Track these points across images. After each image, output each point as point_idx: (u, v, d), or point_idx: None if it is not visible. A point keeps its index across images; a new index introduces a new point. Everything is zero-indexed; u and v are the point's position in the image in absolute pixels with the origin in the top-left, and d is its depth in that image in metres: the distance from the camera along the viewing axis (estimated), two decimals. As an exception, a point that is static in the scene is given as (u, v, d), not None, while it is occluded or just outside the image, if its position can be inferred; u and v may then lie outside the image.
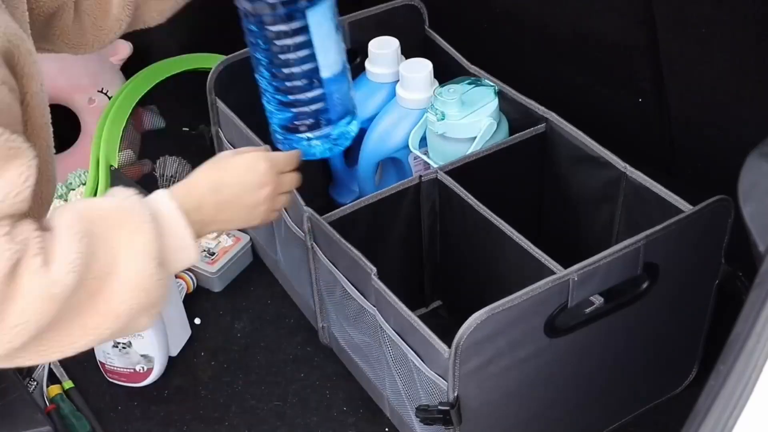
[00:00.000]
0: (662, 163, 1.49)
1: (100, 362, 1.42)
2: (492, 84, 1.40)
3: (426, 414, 1.13)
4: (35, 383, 1.42)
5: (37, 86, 0.96)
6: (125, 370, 1.42)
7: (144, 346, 1.39)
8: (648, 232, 1.14)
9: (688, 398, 1.34)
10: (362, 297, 1.24)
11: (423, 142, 1.45)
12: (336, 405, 1.41)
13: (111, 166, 1.60)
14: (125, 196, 0.91)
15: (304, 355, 1.48)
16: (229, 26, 1.76)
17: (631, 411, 1.35)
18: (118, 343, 1.38)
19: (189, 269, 1.58)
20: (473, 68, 1.48)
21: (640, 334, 1.24)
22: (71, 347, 0.86)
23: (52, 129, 1.02)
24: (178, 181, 1.71)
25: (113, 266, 0.86)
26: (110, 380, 1.43)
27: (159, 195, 0.94)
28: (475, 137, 1.38)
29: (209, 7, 1.71)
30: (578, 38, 1.50)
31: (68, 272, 0.82)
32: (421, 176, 1.33)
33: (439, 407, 1.11)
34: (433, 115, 1.38)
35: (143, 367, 1.41)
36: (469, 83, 1.40)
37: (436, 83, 1.49)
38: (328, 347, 1.46)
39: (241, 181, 1.00)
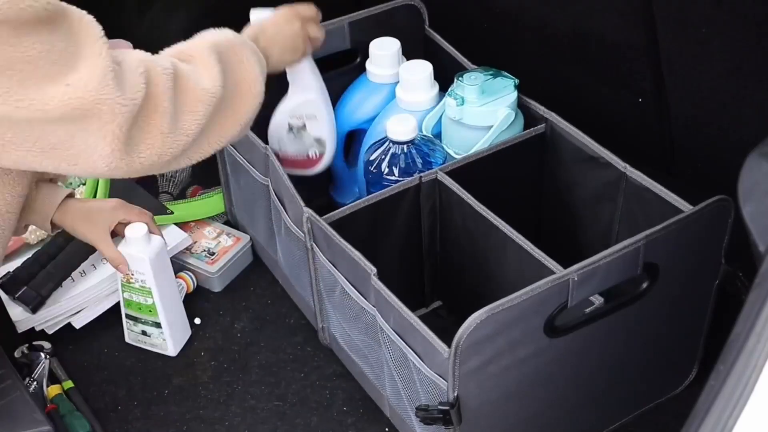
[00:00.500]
0: (662, 163, 1.49)
1: (274, 152, 1.42)
2: (512, 77, 1.40)
3: (426, 414, 1.13)
4: (35, 383, 1.42)
5: None
6: (299, 156, 1.46)
7: (318, 127, 1.44)
8: (648, 232, 1.14)
9: (688, 398, 1.34)
10: (362, 297, 1.24)
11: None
12: (336, 405, 1.41)
13: None
14: (231, 33, 1.22)
15: (304, 355, 1.48)
16: (230, 26, 1.76)
17: (631, 411, 1.35)
18: (293, 126, 1.45)
19: (189, 269, 1.58)
20: (473, 68, 1.48)
21: (640, 334, 1.24)
22: (218, 143, 1.17)
23: None
24: (177, 179, 1.72)
25: (241, 79, 1.16)
26: (285, 171, 1.40)
27: (246, 37, 1.24)
28: (491, 126, 1.38)
29: (210, 7, 1.71)
30: (578, 38, 1.50)
31: (216, 84, 1.11)
32: (421, 176, 1.33)
33: (439, 407, 1.11)
34: (453, 100, 1.38)
35: (315, 152, 1.45)
36: (491, 73, 1.40)
37: (436, 85, 1.49)
38: (328, 347, 1.46)
39: (275, 21, 1.31)
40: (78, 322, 1.51)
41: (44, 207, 1.33)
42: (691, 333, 1.33)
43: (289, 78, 1.42)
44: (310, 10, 1.35)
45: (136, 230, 1.37)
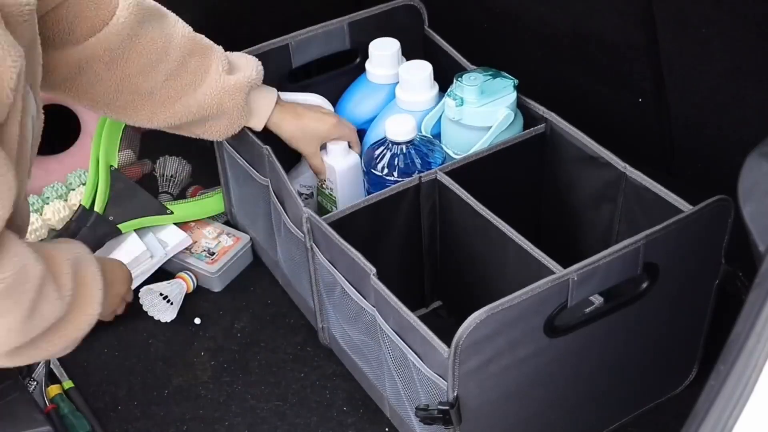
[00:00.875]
0: (662, 163, 1.49)
1: None
2: (512, 78, 1.40)
3: (426, 414, 1.13)
4: (35, 383, 1.42)
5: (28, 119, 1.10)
6: None
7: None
8: (648, 232, 1.14)
9: (688, 398, 1.34)
10: (361, 297, 1.24)
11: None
12: (336, 405, 1.41)
13: (111, 166, 1.60)
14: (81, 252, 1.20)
15: (304, 355, 1.48)
16: (230, 26, 1.77)
17: (631, 411, 1.35)
18: (302, 194, 1.52)
19: (189, 269, 1.58)
20: (473, 68, 1.48)
21: (640, 334, 1.24)
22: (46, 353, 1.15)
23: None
24: (177, 179, 1.72)
25: (84, 305, 1.16)
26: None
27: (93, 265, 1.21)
28: (490, 127, 1.38)
29: (210, 7, 1.71)
30: (578, 38, 1.50)
31: (66, 301, 1.12)
32: (420, 176, 1.33)
33: (439, 407, 1.11)
34: (452, 100, 1.38)
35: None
36: (490, 74, 1.40)
37: (436, 85, 1.49)
38: (328, 347, 1.46)
39: (115, 274, 1.35)
40: None
41: (261, 109, 1.41)
42: (691, 333, 1.33)
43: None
44: (129, 295, 1.42)
45: (337, 143, 1.46)
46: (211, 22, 1.71)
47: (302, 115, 1.44)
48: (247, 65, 1.40)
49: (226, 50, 1.48)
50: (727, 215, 1.19)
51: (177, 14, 1.37)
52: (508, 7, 1.60)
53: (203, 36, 1.37)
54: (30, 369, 1.44)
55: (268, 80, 1.52)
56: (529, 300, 1.08)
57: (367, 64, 1.54)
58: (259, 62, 1.41)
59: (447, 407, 1.11)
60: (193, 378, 1.46)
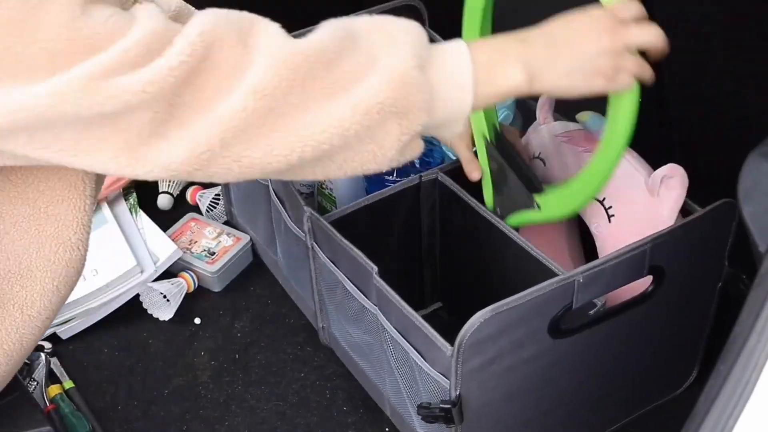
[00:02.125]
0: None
1: None
2: None
3: (428, 412, 1.13)
4: (35, 383, 1.42)
5: None
6: None
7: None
8: (654, 234, 1.13)
9: (689, 399, 1.34)
10: (363, 296, 1.24)
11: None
12: (336, 405, 1.41)
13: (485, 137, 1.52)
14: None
15: (304, 355, 1.48)
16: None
17: (632, 412, 1.35)
18: (302, 193, 1.35)
19: (190, 269, 1.58)
20: (473, 68, 1.48)
21: (642, 335, 1.24)
22: (312, 137, 0.76)
23: None
24: (173, 179, 1.72)
25: (371, 56, 0.78)
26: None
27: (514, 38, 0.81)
28: None
29: (211, 8, 1.71)
30: (578, 38, 1.49)
31: (305, 50, 0.77)
32: (421, 176, 1.33)
33: (441, 405, 1.11)
34: None
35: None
36: None
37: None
38: (328, 347, 1.46)
39: (569, 24, 0.83)
40: (64, 334, 1.51)
41: None
42: (693, 335, 1.33)
43: None
44: (634, 10, 0.87)
45: None
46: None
47: None
48: None
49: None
50: (731, 218, 1.19)
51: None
52: (508, 8, 1.60)
53: None
54: (30, 369, 1.44)
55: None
56: (534, 301, 1.08)
57: (367, 64, 1.54)
58: None
59: (449, 406, 1.11)
60: (193, 378, 1.46)
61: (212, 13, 0.78)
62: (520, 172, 1.22)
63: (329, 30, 0.80)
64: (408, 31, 0.79)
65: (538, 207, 1.19)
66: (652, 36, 0.86)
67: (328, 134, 0.76)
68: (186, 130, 0.75)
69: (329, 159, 0.79)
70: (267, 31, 0.80)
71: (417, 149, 0.80)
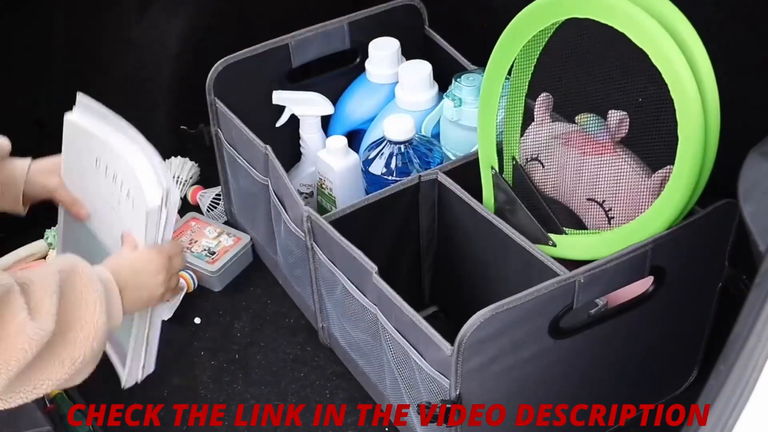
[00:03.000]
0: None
1: None
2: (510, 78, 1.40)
3: (428, 411, 1.13)
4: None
5: None
6: None
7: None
8: (656, 235, 1.13)
9: (689, 399, 1.34)
10: (363, 296, 1.24)
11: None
12: (336, 405, 1.41)
13: (492, 167, 1.55)
14: (73, 262, 1.05)
15: (304, 355, 1.48)
16: (230, 26, 1.76)
17: (631, 412, 1.35)
18: (302, 193, 1.40)
19: (190, 269, 1.58)
20: (473, 68, 1.48)
21: (643, 335, 1.24)
22: (42, 388, 1.03)
23: None
24: (175, 180, 1.72)
25: (77, 319, 1.02)
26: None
27: (100, 269, 1.08)
28: None
29: (211, 7, 1.71)
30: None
31: (50, 322, 0.98)
32: (420, 176, 1.33)
33: (441, 404, 1.11)
34: (451, 101, 1.38)
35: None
36: None
37: (436, 85, 1.49)
38: (328, 347, 1.46)
39: (137, 266, 1.14)
40: None
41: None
42: (693, 334, 1.33)
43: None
44: (180, 262, 1.19)
45: (336, 141, 1.43)
46: (212, 22, 1.71)
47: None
48: None
49: (225, 53, 1.48)
50: (732, 218, 1.19)
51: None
52: (508, 8, 1.60)
53: None
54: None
55: (267, 80, 1.52)
56: (535, 301, 1.08)
57: (367, 64, 1.54)
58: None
59: (449, 405, 1.10)
60: (193, 378, 1.46)
61: None
62: (537, 211, 1.25)
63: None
64: (95, 291, 1.04)
65: (554, 244, 1.24)
66: (182, 263, 1.20)
67: (52, 382, 1.05)
68: None
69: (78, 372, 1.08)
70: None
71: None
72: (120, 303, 1.09)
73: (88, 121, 1.14)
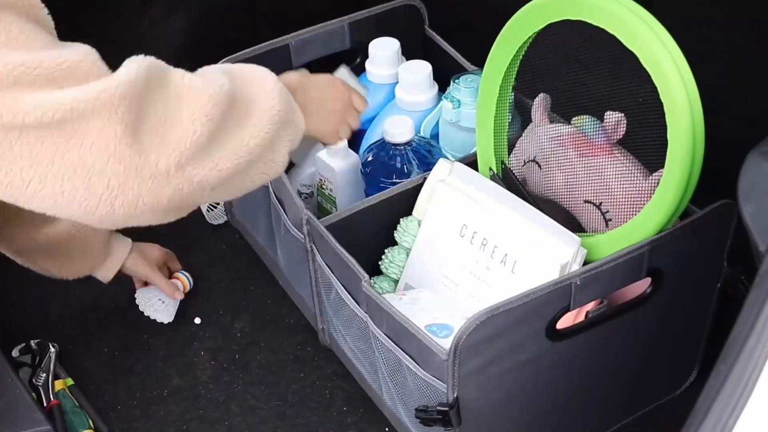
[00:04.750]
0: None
1: None
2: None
3: (425, 415, 1.13)
4: (45, 374, 1.42)
5: None
6: None
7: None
8: (653, 237, 1.13)
9: (689, 399, 1.34)
10: (354, 303, 1.23)
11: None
12: (336, 405, 1.41)
13: (490, 168, 1.55)
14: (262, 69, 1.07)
15: (304, 355, 1.48)
16: (230, 26, 1.76)
17: (631, 413, 1.35)
18: (301, 193, 1.41)
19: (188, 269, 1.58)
20: (473, 68, 1.48)
21: (641, 337, 1.24)
22: (244, 149, 0.99)
23: None
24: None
25: (252, 95, 1.02)
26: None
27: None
28: None
29: (211, 7, 1.71)
30: (578, 38, 1.49)
31: (226, 80, 0.98)
32: (424, 177, 1.33)
33: (438, 408, 1.11)
34: (449, 103, 1.38)
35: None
36: None
37: (436, 86, 1.49)
38: (328, 347, 1.46)
39: (322, 90, 1.18)
40: None
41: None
42: (693, 335, 1.33)
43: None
44: (361, 104, 1.24)
45: (338, 143, 1.41)
46: (212, 22, 1.71)
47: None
48: None
49: (225, 53, 1.48)
50: (730, 219, 1.19)
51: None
52: (508, 8, 1.60)
53: None
54: (41, 358, 1.44)
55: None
56: (531, 303, 1.07)
57: (367, 64, 1.54)
58: None
59: (446, 408, 1.10)
60: (193, 378, 1.46)
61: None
62: None
63: (218, 73, 1.01)
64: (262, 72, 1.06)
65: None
66: (363, 103, 1.25)
67: (252, 144, 1.00)
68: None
69: (246, 171, 1.01)
70: (190, 75, 0.99)
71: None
72: (294, 105, 1.07)
73: None
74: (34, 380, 1.41)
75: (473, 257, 1.21)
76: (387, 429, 1.36)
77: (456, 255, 1.23)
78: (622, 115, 1.19)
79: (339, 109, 1.19)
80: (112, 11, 1.66)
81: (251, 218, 1.58)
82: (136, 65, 0.93)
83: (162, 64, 0.97)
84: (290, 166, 1.54)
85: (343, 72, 1.40)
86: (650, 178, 1.17)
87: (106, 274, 1.46)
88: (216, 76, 0.99)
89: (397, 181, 1.35)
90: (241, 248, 1.63)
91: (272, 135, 1.02)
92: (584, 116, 1.24)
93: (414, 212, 1.31)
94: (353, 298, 1.23)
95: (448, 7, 1.66)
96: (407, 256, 1.30)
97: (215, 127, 0.95)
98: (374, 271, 1.32)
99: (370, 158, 1.40)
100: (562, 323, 1.12)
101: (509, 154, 1.31)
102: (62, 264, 1.41)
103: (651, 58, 1.06)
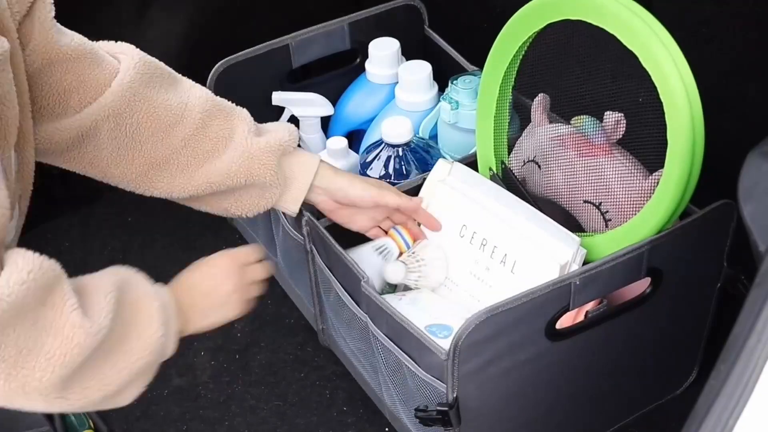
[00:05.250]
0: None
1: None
2: None
3: (425, 415, 1.13)
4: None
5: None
6: None
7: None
8: (652, 236, 1.13)
9: (689, 399, 1.34)
10: (354, 304, 1.23)
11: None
12: (336, 405, 1.41)
13: (490, 168, 1.55)
14: (128, 273, 1.00)
15: (304, 355, 1.48)
16: (231, 26, 1.76)
17: (631, 413, 1.35)
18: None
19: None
20: (473, 68, 1.48)
21: (641, 336, 1.24)
22: (92, 392, 0.94)
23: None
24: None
25: (134, 325, 0.96)
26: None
27: (166, 292, 1.02)
28: None
29: (211, 7, 1.71)
30: (578, 38, 1.50)
31: (106, 319, 0.92)
32: (423, 177, 1.33)
33: (438, 408, 1.11)
34: (447, 104, 1.38)
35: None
36: None
37: (435, 86, 1.49)
38: (328, 348, 1.46)
39: (204, 279, 1.09)
40: None
41: (298, 176, 1.22)
42: (692, 335, 1.33)
43: None
44: (250, 255, 1.13)
45: (336, 142, 1.43)
46: (212, 22, 1.71)
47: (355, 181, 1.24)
48: (278, 128, 1.21)
49: (225, 53, 1.48)
50: (729, 219, 1.19)
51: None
52: (508, 8, 1.60)
53: (224, 99, 1.21)
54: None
55: (268, 81, 1.52)
56: (531, 303, 1.07)
57: (367, 64, 1.54)
58: (292, 126, 1.23)
59: (446, 408, 1.10)
60: (193, 378, 1.46)
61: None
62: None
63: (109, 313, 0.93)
64: (154, 308, 0.98)
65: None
66: (263, 271, 1.14)
67: (105, 388, 0.94)
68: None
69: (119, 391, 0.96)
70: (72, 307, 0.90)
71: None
72: (176, 323, 1.01)
73: None
74: (34, 380, 1.41)
75: (473, 257, 1.21)
76: (387, 429, 1.37)
77: (456, 255, 1.23)
78: (622, 115, 1.19)
79: (231, 291, 1.09)
80: (112, 11, 1.66)
81: (251, 219, 1.58)
82: (21, 278, 0.86)
83: (55, 275, 0.90)
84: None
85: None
86: (650, 178, 1.17)
87: (296, 197, 1.23)
88: (103, 310, 0.92)
89: (397, 182, 1.35)
90: (241, 248, 1.63)
91: (152, 361, 0.98)
92: (584, 116, 1.24)
93: None
94: (353, 299, 1.23)
95: (448, 7, 1.66)
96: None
97: (76, 367, 0.91)
98: (374, 271, 1.32)
99: (369, 158, 1.40)
100: (562, 323, 1.12)
101: (509, 154, 1.31)
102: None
103: (651, 58, 1.06)
